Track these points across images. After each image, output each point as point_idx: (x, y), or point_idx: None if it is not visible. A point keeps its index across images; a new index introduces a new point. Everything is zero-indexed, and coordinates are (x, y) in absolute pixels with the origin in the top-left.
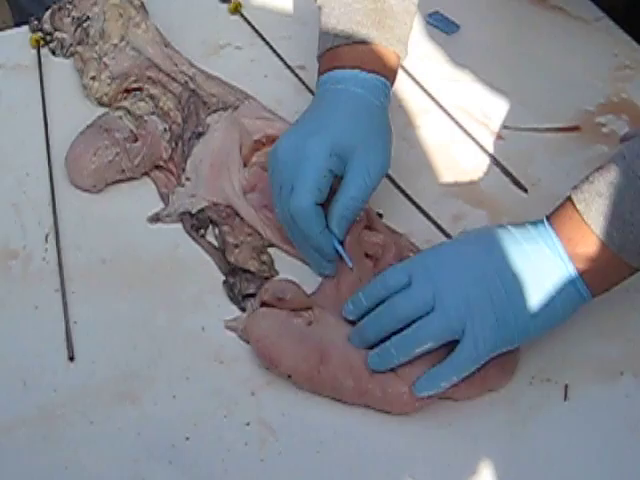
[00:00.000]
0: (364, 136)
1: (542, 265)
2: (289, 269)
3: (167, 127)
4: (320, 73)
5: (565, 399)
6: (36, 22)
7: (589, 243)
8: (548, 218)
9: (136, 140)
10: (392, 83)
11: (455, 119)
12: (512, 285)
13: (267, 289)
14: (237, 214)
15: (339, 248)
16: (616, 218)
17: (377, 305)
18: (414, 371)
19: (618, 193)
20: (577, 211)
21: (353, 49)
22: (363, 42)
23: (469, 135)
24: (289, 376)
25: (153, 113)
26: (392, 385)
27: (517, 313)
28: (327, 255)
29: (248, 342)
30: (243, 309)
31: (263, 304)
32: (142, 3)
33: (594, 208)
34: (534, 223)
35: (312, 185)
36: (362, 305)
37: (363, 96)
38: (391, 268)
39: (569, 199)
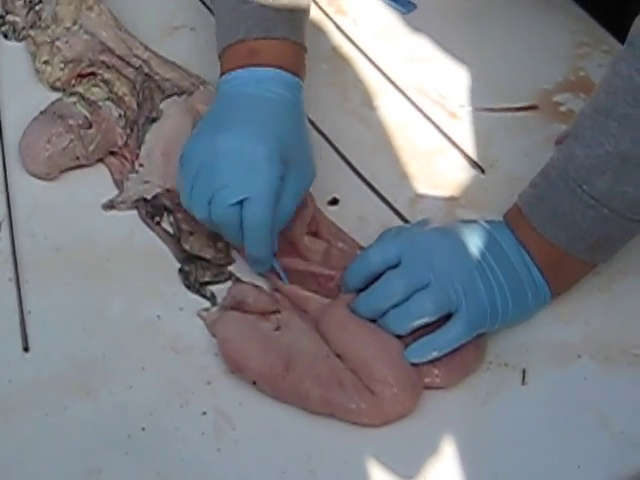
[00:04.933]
0: (299, 143)
1: (513, 261)
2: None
3: (122, 113)
4: (232, 65)
5: (523, 383)
6: None
7: (540, 244)
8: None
9: (90, 126)
10: (303, 79)
11: (411, 99)
12: (495, 271)
13: (229, 294)
14: None
15: (276, 265)
16: (559, 219)
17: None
18: (386, 388)
19: (558, 196)
20: (523, 215)
21: (271, 45)
22: (280, 38)
23: (425, 116)
24: (254, 382)
25: (108, 99)
26: (360, 398)
27: (501, 297)
28: (261, 266)
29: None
30: (204, 296)
31: (231, 308)
32: None
33: (538, 211)
34: (493, 222)
35: (272, 199)
36: (349, 287)
37: (289, 99)
38: (378, 245)
39: (516, 204)
